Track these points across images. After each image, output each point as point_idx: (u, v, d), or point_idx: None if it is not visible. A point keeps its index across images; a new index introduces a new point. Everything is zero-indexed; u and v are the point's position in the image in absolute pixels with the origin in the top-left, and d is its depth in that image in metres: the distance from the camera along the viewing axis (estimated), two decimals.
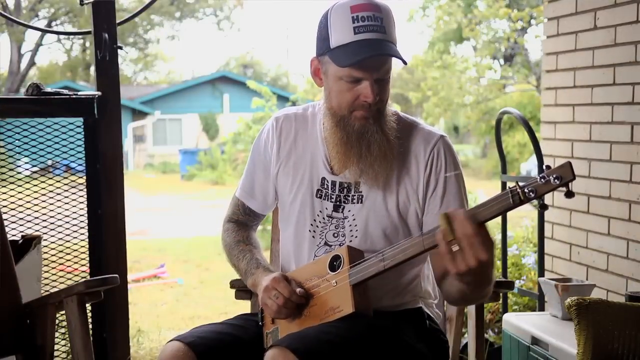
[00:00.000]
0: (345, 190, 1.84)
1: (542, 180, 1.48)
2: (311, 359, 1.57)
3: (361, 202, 1.83)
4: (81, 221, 2.87)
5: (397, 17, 1.79)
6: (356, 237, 1.83)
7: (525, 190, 1.49)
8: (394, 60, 1.75)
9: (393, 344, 1.74)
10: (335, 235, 1.85)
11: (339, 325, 1.68)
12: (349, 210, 1.83)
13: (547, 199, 3.35)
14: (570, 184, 1.48)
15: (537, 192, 1.49)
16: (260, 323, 1.86)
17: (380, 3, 1.73)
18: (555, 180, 1.47)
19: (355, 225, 1.83)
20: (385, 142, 1.77)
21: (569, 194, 1.49)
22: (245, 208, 2.02)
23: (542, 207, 1.55)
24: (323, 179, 1.86)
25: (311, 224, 1.87)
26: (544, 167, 1.51)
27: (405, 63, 1.73)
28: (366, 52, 1.69)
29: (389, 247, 1.70)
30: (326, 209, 1.85)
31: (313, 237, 1.86)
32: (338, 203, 1.84)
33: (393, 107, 1.89)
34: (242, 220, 2.05)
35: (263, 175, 1.97)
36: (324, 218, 1.85)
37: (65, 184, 2.90)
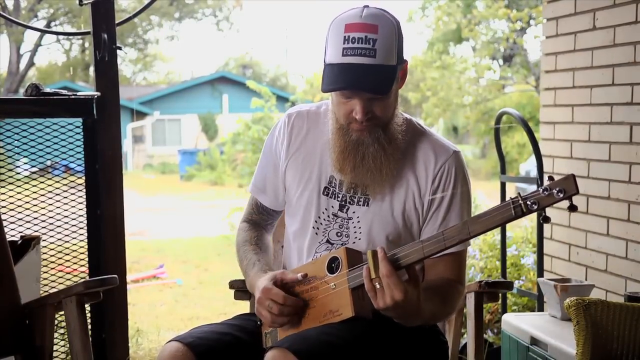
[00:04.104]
0: (352, 191, 1.84)
1: (545, 192, 1.48)
2: None
3: (367, 205, 1.83)
4: (80, 222, 2.87)
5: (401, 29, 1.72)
6: (359, 239, 1.83)
7: (528, 202, 1.49)
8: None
9: (393, 345, 1.74)
10: (339, 234, 1.85)
11: (340, 326, 1.68)
12: (354, 212, 1.84)
13: None
14: (573, 197, 1.48)
15: (540, 205, 1.49)
16: (258, 323, 1.86)
17: (379, 21, 1.69)
18: (559, 194, 1.47)
19: (360, 228, 1.83)
20: (381, 156, 1.77)
21: (572, 208, 1.49)
22: (259, 206, 2.02)
23: (544, 220, 1.52)
24: (332, 177, 1.86)
25: (315, 221, 1.87)
26: (547, 178, 1.50)
27: (381, 94, 1.70)
28: (341, 82, 1.68)
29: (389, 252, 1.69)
30: (332, 207, 1.85)
31: (316, 233, 1.87)
32: (344, 203, 1.84)
33: (405, 115, 1.88)
34: (256, 220, 2.04)
35: (273, 171, 1.97)
36: (328, 216, 1.86)
37: (64, 185, 2.90)
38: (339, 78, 1.68)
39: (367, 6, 1.73)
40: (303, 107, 1.97)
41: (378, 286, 1.58)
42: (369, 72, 1.67)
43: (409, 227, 1.83)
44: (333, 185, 1.86)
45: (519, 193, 1.51)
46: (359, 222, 1.83)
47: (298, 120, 1.93)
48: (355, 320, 1.68)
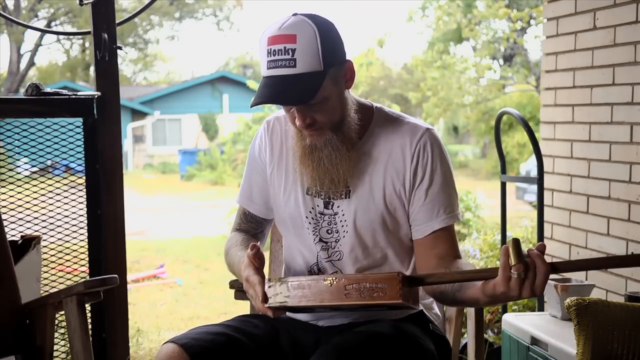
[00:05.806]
0: (334, 186, 1.84)
1: None
2: None
3: (349, 197, 1.84)
4: (80, 221, 2.87)
5: (326, 33, 1.69)
6: (347, 232, 1.84)
7: None
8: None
9: (399, 346, 1.75)
10: (329, 232, 1.86)
11: (364, 328, 1.70)
12: (338, 206, 1.85)
13: (547, 199, 3.35)
14: None
15: None
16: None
17: (296, 30, 1.68)
18: None
19: (346, 221, 1.84)
20: (335, 157, 1.78)
21: None
22: (248, 215, 2.02)
23: None
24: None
25: (304, 222, 1.88)
26: None
27: (302, 103, 1.71)
28: (261, 97, 1.70)
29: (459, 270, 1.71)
30: (317, 206, 1.87)
31: (309, 234, 1.88)
32: (327, 199, 1.86)
33: (374, 105, 1.89)
34: (245, 229, 2.04)
35: (260, 179, 1.97)
36: (316, 215, 1.87)
37: (64, 184, 2.90)
38: (262, 92, 1.71)
39: (295, 14, 1.73)
40: (281, 112, 1.98)
41: (515, 275, 1.53)
42: (290, 83, 1.68)
43: (393, 212, 1.84)
44: (314, 184, 1.86)
45: None
46: (344, 215, 1.84)
47: (276, 125, 1.96)
48: (381, 322, 1.70)
